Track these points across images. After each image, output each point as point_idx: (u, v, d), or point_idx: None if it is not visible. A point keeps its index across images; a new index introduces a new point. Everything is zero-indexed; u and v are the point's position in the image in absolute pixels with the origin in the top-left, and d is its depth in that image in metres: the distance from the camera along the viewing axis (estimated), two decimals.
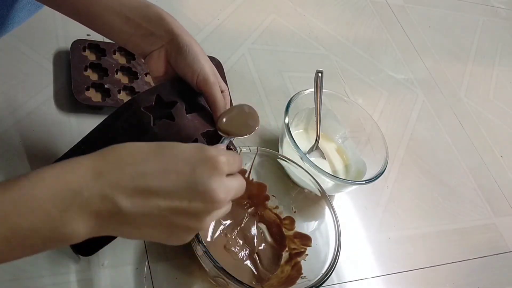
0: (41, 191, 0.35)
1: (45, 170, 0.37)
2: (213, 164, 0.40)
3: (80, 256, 0.59)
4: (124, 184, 0.37)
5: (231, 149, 0.54)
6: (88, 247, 0.58)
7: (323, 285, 0.59)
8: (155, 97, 0.57)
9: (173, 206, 0.38)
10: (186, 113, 0.57)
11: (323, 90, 0.80)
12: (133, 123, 0.56)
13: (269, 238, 0.71)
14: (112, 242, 0.58)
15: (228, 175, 0.43)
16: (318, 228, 0.69)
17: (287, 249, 0.70)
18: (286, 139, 0.74)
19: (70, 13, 0.58)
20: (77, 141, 0.60)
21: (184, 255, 0.64)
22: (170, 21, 0.56)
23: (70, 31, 0.79)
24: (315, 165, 0.71)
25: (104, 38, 0.80)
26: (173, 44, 0.56)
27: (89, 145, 0.59)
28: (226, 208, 0.44)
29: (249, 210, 0.72)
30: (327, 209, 0.68)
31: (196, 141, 0.56)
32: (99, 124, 0.58)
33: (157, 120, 0.57)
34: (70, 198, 0.36)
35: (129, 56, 0.80)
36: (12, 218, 0.34)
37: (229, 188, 0.42)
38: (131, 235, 0.40)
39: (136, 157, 0.39)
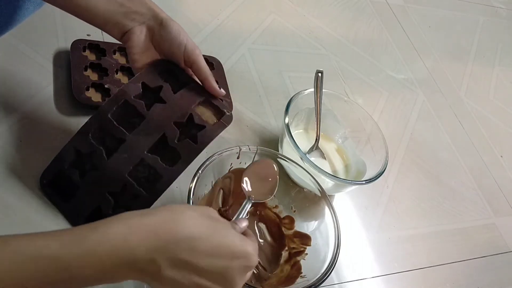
0: (104, 247, 0.39)
1: (113, 226, 0.40)
2: (248, 262, 0.46)
3: None
4: (173, 255, 0.41)
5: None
6: None
7: (323, 284, 0.59)
8: (141, 85, 0.60)
9: (201, 283, 0.43)
10: (174, 93, 0.61)
11: (323, 90, 0.80)
12: (127, 112, 0.59)
13: (268, 238, 0.71)
14: None
15: None
16: (317, 228, 0.69)
17: (286, 248, 0.70)
18: (286, 139, 0.74)
19: None
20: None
21: None
22: (149, 0, 0.61)
23: (70, 31, 0.79)
24: (315, 165, 0.71)
25: (104, 38, 0.81)
26: (156, 20, 0.60)
27: (84, 136, 0.61)
28: None
29: (249, 209, 0.72)
30: (326, 209, 0.68)
31: (191, 116, 0.60)
32: (91, 117, 0.60)
33: (148, 105, 0.60)
34: (125, 257, 0.40)
35: None
36: (74, 268, 0.38)
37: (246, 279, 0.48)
38: None
39: (192, 232, 0.43)
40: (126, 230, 0.40)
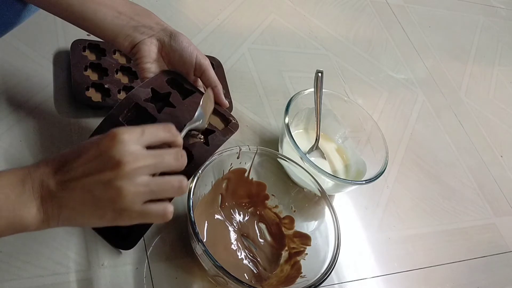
0: (1, 180, 0.43)
1: (1, 170, 0.45)
2: (113, 136, 0.44)
3: (122, 251, 0.61)
4: (52, 172, 0.44)
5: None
6: (126, 240, 0.60)
7: (323, 284, 0.59)
8: (150, 90, 0.61)
9: (91, 179, 0.44)
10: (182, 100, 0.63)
11: (323, 90, 0.80)
12: (138, 115, 0.60)
13: (268, 238, 0.71)
14: None
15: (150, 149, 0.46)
16: (317, 228, 0.69)
17: (286, 248, 0.70)
18: (286, 139, 0.74)
19: (63, 10, 0.59)
20: (78, 140, 0.61)
21: (184, 255, 0.65)
22: (156, 16, 0.63)
23: (70, 31, 0.79)
24: (315, 165, 0.71)
25: None
26: (165, 32, 0.62)
27: None
28: (146, 178, 0.45)
29: (249, 209, 0.72)
30: (326, 209, 0.68)
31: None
32: (103, 119, 0.60)
33: (158, 109, 0.61)
34: (21, 185, 0.43)
35: None
36: None
37: (137, 154, 0.44)
38: (73, 218, 0.45)
39: (61, 154, 0.46)
40: (12, 168, 0.45)
